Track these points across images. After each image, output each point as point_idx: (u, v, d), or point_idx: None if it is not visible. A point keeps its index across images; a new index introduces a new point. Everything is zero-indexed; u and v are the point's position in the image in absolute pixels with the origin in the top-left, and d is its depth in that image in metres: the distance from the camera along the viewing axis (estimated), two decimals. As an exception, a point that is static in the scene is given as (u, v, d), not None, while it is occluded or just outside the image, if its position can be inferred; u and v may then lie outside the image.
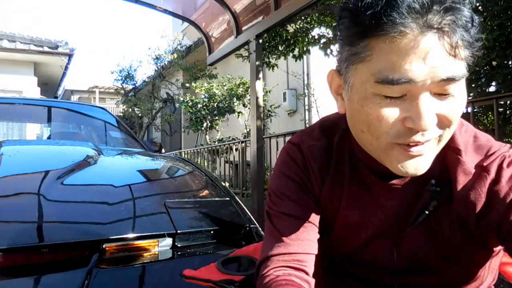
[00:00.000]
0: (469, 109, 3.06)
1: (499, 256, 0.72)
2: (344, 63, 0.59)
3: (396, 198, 0.67)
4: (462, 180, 0.62)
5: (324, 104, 7.30)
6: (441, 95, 0.53)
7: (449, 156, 0.63)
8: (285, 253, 0.67)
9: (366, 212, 0.70)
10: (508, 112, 3.47)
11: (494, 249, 0.67)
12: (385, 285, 0.71)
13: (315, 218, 0.71)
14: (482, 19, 3.37)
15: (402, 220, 0.67)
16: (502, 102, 3.20)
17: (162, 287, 1.15)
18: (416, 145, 0.55)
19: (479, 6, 3.50)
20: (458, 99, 0.55)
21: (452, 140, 0.62)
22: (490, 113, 3.69)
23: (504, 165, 0.61)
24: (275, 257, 0.68)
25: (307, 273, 0.67)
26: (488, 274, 0.72)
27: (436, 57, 0.50)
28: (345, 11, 0.56)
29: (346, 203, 0.71)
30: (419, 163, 0.57)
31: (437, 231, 0.65)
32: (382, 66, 0.52)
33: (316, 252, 0.70)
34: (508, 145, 0.65)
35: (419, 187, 0.66)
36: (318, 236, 0.71)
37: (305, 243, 0.68)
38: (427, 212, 0.64)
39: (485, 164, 0.61)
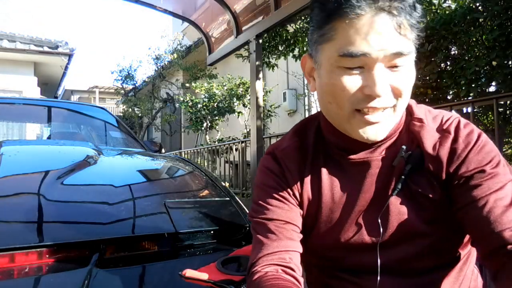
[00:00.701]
0: (469, 109, 3.06)
1: None
2: (314, 45, 0.69)
3: (371, 173, 0.72)
4: (430, 142, 0.71)
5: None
6: (392, 67, 0.64)
7: (413, 125, 0.73)
8: (269, 253, 0.71)
9: (346, 193, 0.74)
10: (508, 112, 3.46)
11: None
12: (369, 265, 0.72)
13: (296, 219, 0.75)
14: (482, 19, 3.38)
15: (382, 192, 0.72)
16: (502, 102, 3.19)
17: (162, 287, 1.15)
18: (373, 112, 0.65)
19: (479, 6, 3.50)
20: (407, 72, 0.65)
21: (412, 113, 0.74)
22: (490, 113, 3.68)
23: (461, 126, 0.71)
24: (261, 258, 0.72)
25: (292, 269, 0.70)
26: (467, 247, 0.74)
27: (386, 35, 0.61)
28: (316, 2, 0.67)
29: (326, 190, 0.75)
30: (377, 129, 0.67)
31: (417, 192, 0.70)
32: (343, 43, 0.62)
33: (300, 250, 0.74)
34: (456, 113, 0.75)
35: (392, 158, 0.72)
36: (301, 236, 0.75)
37: (287, 242, 0.72)
38: (403, 177, 0.70)
39: (445, 127, 0.72)
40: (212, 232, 1.39)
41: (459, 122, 0.72)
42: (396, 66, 0.63)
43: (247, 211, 1.57)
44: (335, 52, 0.63)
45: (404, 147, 0.71)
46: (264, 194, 0.77)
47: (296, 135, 0.81)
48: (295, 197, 0.76)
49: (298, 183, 0.76)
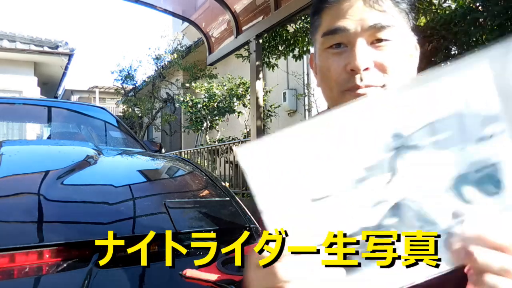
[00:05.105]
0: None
1: None
2: (312, 38, 0.72)
3: None
4: None
5: (324, 104, 7.29)
6: (376, 43, 0.63)
7: None
8: None
9: None
10: (508, 112, 3.46)
11: None
12: None
13: None
14: (482, 19, 3.37)
15: None
16: (502, 102, 3.19)
17: (162, 287, 1.15)
18: (361, 91, 0.64)
19: (479, 6, 3.50)
20: (394, 47, 0.64)
21: None
22: (490, 113, 3.68)
23: None
24: None
25: None
26: None
27: (364, 10, 0.63)
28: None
29: None
30: None
31: None
32: (326, 25, 0.67)
33: None
34: None
35: None
36: None
37: None
38: None
39: None
40: (212, 232, 1.39)
41: None
42: (380, 41, 0.63)
43: (247, 211, 1.57)
44: (320, 36, 0.67)
45: None
46: None
47: None
48: None
49: None
